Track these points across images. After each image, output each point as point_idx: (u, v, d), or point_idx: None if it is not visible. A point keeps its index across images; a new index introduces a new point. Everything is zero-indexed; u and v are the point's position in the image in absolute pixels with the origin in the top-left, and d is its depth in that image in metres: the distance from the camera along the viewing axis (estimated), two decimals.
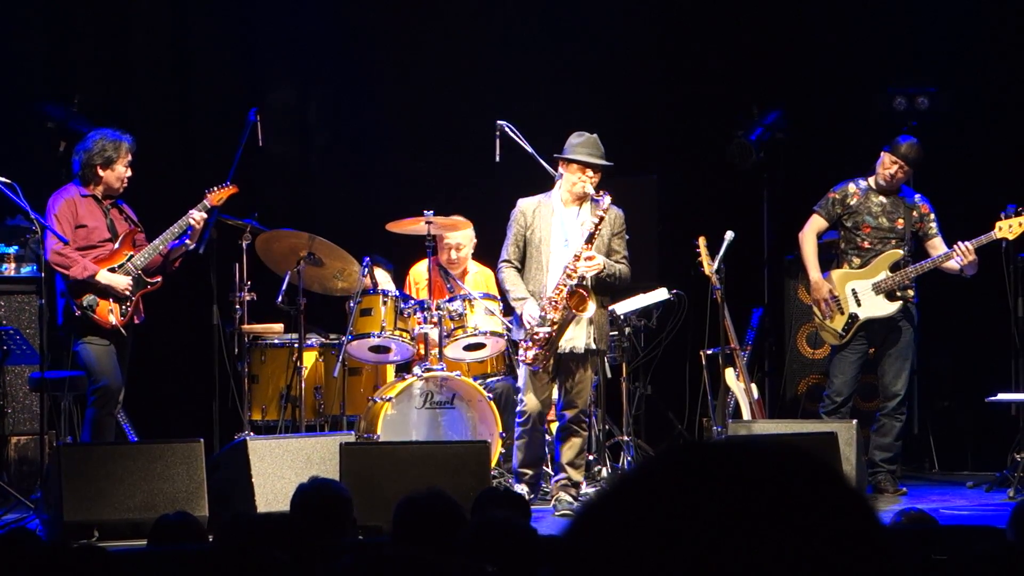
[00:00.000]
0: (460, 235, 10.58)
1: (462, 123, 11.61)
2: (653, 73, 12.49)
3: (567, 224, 9.25)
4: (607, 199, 9.08)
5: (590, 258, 9.02)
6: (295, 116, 12.55)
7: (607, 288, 9.28)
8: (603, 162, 9.20)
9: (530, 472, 9.34)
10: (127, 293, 9.49)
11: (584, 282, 9.06)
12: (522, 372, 9.32)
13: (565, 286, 9.06)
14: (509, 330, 9.75)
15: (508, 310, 9.82)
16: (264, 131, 10.26)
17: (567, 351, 9.20)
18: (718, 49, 12.27)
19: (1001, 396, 10.19)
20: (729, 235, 10.33)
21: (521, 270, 9.28)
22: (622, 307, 10.46)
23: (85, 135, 9.71)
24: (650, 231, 11.52)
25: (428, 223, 10.10)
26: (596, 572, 1.43)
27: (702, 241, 10.31)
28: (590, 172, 9.16)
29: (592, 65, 12.34)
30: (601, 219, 9.06)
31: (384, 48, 12.36)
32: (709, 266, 10.27)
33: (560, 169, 9.29)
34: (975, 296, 10.99)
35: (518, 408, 9.36)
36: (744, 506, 1.41)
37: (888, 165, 10.04)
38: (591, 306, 9.10)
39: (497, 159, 9.95)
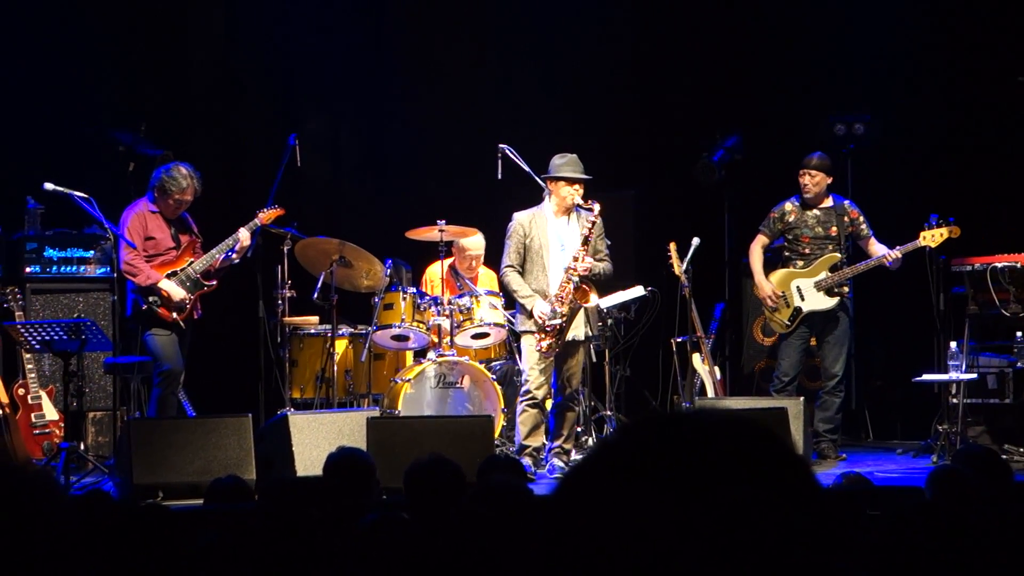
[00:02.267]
0: (479, 247, 10.62)
1: (469, 146, 11.60)
2: (630, 103, 12.50)
3: (561, 232, 9.30)
4: (597, 207, 9.15)
5: (585, 262, 9.08)
6: (328, 141, 12.55)
7: (595, 282, 9.29)
8: (586, 176, 9.29)
9: (533, 445, 9.25)
10: (184, 303, 9.50)
11: (583, 279, 9.10)
12: (528, 356, 9.27)
13: (569, 282, 9.10)
14: (511, 322, 9.75)
15: (509, 305, 9.84)
16: (302, 153, 10.27)
17: (570, 339, 9.22)
18: (685, 83, 12.28)
19: (925, 376, 10.19)
20: (696, 241, 10.33)
21: (522, 273, 9.29)
22: (605, 302, 10.46)
23: (169, 160, 9.75)
24: (628, 238, 11.53)
25: (441, 231, 10.13)
26: (581, 526, 1.44)
27: (672, 246, 10.31)
28: (577, 185, 9.23)
29: (578, 96, 12.35)
30: (594, 224, 9.13)
31: (403, 82, 12.36)
32: (679, 267, 10.27)
33: (549, 186, 9.34)
34: (903, 291, 10.99)
35: (524, 388, 9.29)
36: (703, 466, 1.42)
37: (802, 177, 10.12)
38: (592, 298, 9.16)
39: (499, 176, 9.96)
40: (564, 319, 9.10)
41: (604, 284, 10.40)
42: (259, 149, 11.68)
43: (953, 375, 9.92)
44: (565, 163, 9.30)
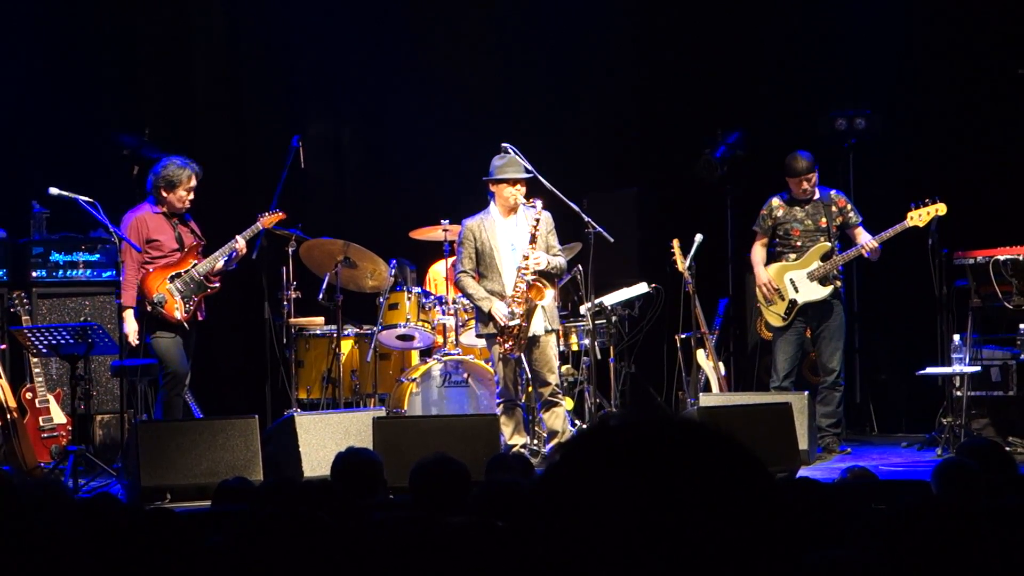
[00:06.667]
0: None
1: (472, 145, 11.60)
2: (632, 102, 12.50)
3: (510, 232, 9.36)
4: (539, 203, 9.18)
5: (537, 258, 9.11)
6: (332, 142, 12.56)
7: (550, 277, 9.30)
8: (525, 175, 9.36)
9: (518, 444, 9.24)
10: (131, 340, 9.37)
11: (537, 277, 9.11)
12: (495, 359, 9.33)
13: (523, 282, 9.11)
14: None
15: None
16: (305, 155, 10.27)
17: (530, 335, 9.23)
18: (687, 80, 12.28)
19: (929, 370, 10.19)
20: (698, 238, 10.34)
21: (479, 276, 9.34)
22: (609, 299, 10.48)
23: (160, 159, 9.68)
24: (631, 235, 11.53)
25: (445, 231, 10.14)
26: (554, 512, 1.49)
27: (676, 243, 10.31)
28: (518, 185, 9.24)
29: (579, 95, 12.36)
30: (538, 221, 9.15)
31: (405, 83, 12.36)
32: (682, 264, 10.27)
33: (491, 189, 9.39)
34: (906, 285, 10.99)
35: (498, 390, 9.36)
36: (661, 463, 1.47)
37: (801, 184, 10.04)
38: (548, 294, 9.18)
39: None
40: (522, 319, 9.12)
41: (609, 281, 10.42)
42: (263, 151, 11.68)
43: (957, 368, 9.92)
44: (504, 164, 9.35)
